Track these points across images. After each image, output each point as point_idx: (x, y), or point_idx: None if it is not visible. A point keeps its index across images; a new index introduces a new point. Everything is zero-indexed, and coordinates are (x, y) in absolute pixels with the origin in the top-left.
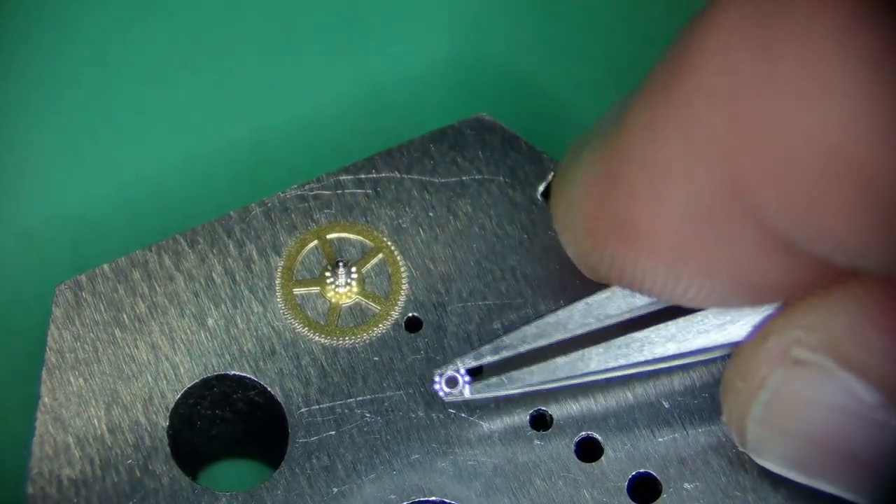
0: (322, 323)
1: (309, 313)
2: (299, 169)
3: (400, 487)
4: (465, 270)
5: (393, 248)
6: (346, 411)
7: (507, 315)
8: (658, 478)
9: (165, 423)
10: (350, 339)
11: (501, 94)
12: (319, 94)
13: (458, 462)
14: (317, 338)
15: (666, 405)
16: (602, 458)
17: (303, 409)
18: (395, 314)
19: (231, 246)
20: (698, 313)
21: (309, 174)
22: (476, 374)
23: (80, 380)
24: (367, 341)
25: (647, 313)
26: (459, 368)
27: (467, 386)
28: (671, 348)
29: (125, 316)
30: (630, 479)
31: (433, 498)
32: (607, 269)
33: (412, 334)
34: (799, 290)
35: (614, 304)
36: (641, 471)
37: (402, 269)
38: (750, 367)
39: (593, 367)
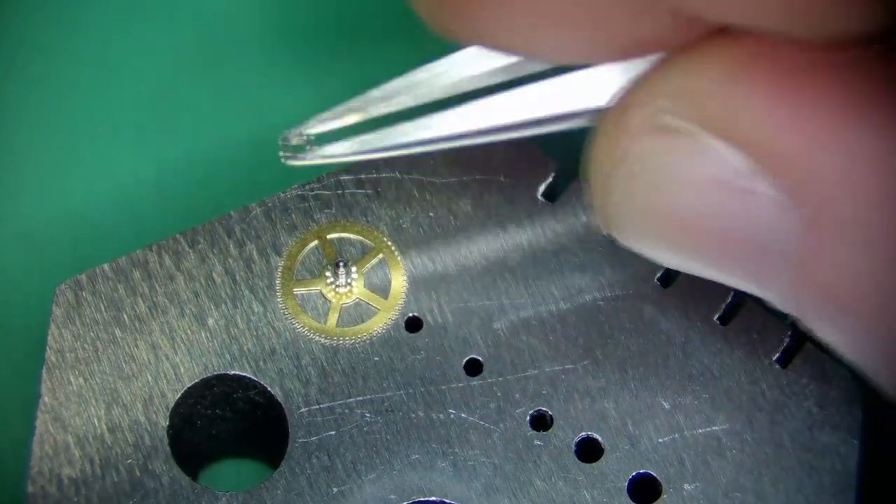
0: (322, 323)
1: (309, 313)
2: (299, 170)
3: (400, 487)
4: (466, 270)
5: (393, 247)
6: (347, 411)
7: (508, 315)
8: (658, 478)
9: (165, 423)
10: (350, 339)
11: None
12: (319, 95)
13: (458, 462)
14: (317, 338)
15: (666, 405)
16: (602, 458)
17: (303, 409)
18: (395, 314)
19: (231, 246)
20: (551, 80)
21: (309, 174)
22: None
23: (81, 379)
24: (368, 341)
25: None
26: (302, 132)
27: (312, 149)
28: (520, 114)
29: (125, 315)
30: (630, 480)
31: (433, 498)
32: (458, 20)
33: (412, 334)
34: (655, 46)
35: (465, 69)
36: (641, 471)
37: (403, 269)
38: (613, 139)
39: (439, 132)
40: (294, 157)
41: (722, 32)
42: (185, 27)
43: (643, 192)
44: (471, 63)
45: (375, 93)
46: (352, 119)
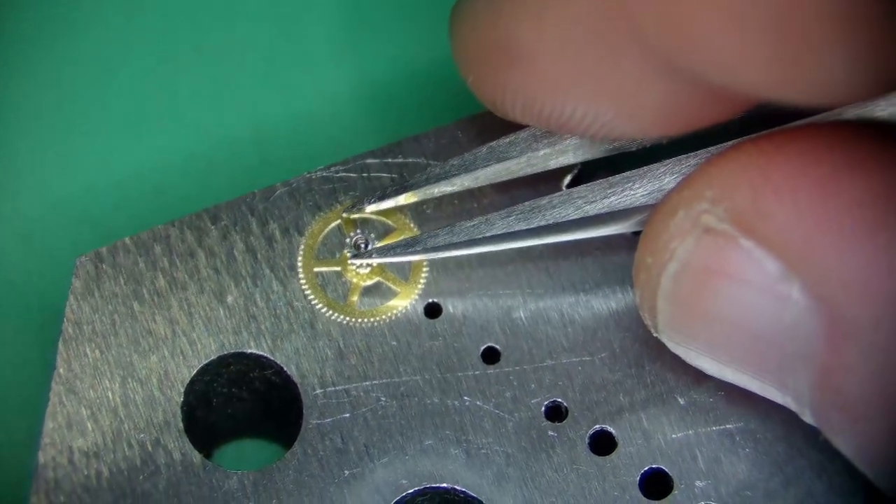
0: (342, 303)
1: (329, 293)
2: (299, 168)
3: (412, 473)
4: (487, 258)
5: (416, 230)
6: (361, 394)
7: (528, 304)
8: (670, 474)
9: (180, 399)
10: (368, 321)
11: None
12: (319, 92)
13: (470, 450)
14: (336, 318)
15: (681, 401)
16: (615, 451)
17: (318, 391)
18: (414, 297)
19: (254, 224)
20: (601, 180)
21: (320, 161)
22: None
23: (97, 352)
24: (386, 324)
25: (553, 168)
26: (363, 208)
27: (374, 245)
28: (574, 213)
29: (144, 290)
30: (642, 474)
31: (444, 484)
32: (501, 97)
33: (431, 320)
34: (683, 117)
35: (515, 148)
36: (654, 466)
37: None
38: (660, 241)
39: (496, 230)
40: (358, 255)
41: (763, 136)
42: (185, 24)
43: (686, 292)
44: (529, 144)
45: (435, 171)
46: (411, 199)
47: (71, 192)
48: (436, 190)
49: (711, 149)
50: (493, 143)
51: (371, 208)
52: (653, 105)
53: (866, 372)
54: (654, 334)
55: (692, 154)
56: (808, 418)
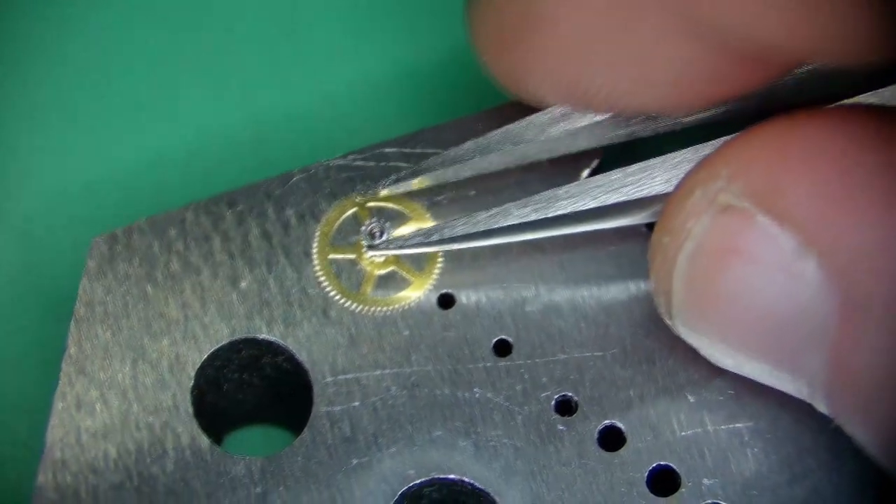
0: (355, 291)
1: (343, 281)
2: (299, 167)
3: (420, 463)
4: (501, 250)
5: (432, 220)
6: (372, 383)
7: (541, 298)
8: (678, 471)
9: (190, 383)
10: (382, 310)
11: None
12: (320, 91)
13: (479, 442)
14: (349, 306)
15: (691, 399)
16: (624, 447)
17: (328, 378)
18: (428, 287)
19: (270, 210)
20: (618, 170)
21: (327, 154)
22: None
23: (108, 333)
24: (399, 314)
25: (567, 153)
26: (377, 191)
27: (389, 233)
28: (591, 203)
29: (158, 272)
30: (650, 471)
31: (452, 476)
32: (519, 69)
33: (444, 311)
34: (703, 85)
35: (530, 131)
36: (662, 463)
37: None
38: (676, 221)
39: (512, 220)
40: (374, 248)
41: (780, 116)
42: (183, 20)
43: (701, 273)
44: (544, 128)
45: (450, 154)
46: (426, 182)
47: (70, 189)
48: (450, 173)
49: (727, 137)
50: (509, 126)
51: (385, 192)
52: (674, 70)
53: (880, 350)
54: (668, 322)
55: (708, 143)
56: (820, 405)
